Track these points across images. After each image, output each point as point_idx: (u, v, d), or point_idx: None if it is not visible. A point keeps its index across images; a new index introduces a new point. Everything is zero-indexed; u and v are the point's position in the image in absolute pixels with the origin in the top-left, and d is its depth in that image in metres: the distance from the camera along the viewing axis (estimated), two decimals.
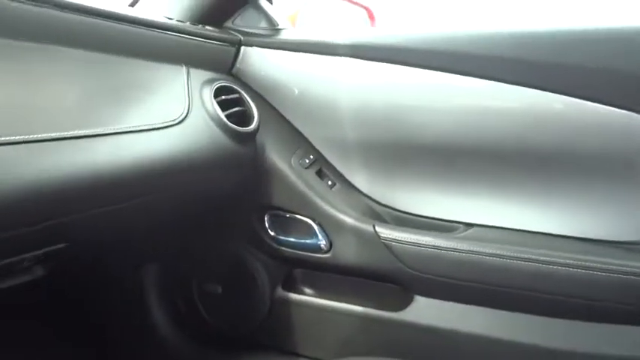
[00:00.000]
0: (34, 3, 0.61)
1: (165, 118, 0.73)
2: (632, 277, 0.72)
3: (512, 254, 0.77)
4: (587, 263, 0.74)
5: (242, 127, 0.84)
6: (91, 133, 0.60)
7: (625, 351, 0.73)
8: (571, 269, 0.75)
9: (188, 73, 0.83)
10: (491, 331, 0.81)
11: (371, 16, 2.18)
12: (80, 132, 0.59)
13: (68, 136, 0.57)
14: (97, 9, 0.70)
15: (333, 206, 0.89)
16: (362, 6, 2.21)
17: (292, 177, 0.90)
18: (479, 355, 0.82)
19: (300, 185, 0.90)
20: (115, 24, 0.72)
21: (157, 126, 0.71)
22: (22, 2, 0.60)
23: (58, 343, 1.09)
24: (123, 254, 0.94)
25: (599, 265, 0.74)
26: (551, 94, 0.79)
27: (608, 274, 0.73)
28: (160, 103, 0.74)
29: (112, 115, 0.65)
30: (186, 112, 0.77)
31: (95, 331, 1.13)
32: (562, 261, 0.75)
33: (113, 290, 1.09)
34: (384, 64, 0.89)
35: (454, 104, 0.86)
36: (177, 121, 0.74)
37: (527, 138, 0.82)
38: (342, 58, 0.91)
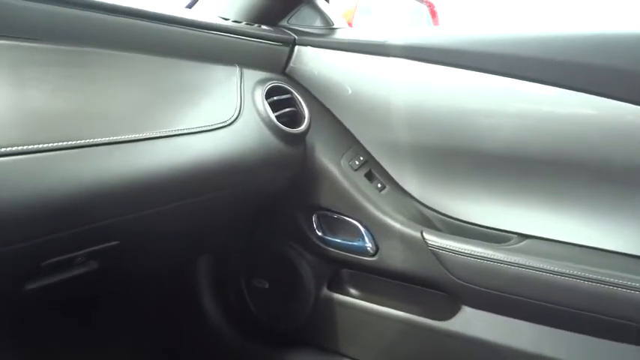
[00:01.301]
0: (92, 9, 0.64)
1: (217, 119, 0.74)
2: None
3: (568, 271, 0.73)
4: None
5: (293, 127, 0.85)
6: (145, 137, 0.62)
7: None
8: (630, 291, 0.70)
9: (241, 74, 0.84)
10: (540, 348, 0.77)
11: (433, 13, 2.13)
12: (135, 136, 0.61)
13: (123, 139, 0.59)
14: (153, 12, 0.72)
15: (380, 210, 0.88)
16: (425, 1, 2.16)
17: (341, 178, 0.89)
18: None
19: (349, 187, 0.89)
20: (170, 27, 0.74)
21: (209, 128, 0.72)
22: (81, 9, 0.63)
23: (114, 334, 1.15)
24: (176, 249, 0.97)
25: None
26: (621, 103, 0.73)
27: None
28: (212, 105, 0.76)
29: (166, 118, 0.67)
30: (237, 113, 0.78)
31: (150, 321, 1.19)
32: (624, 282, 0.70)
33: (167, 282, 1.13)
34: (439, 66, 0.86)
35: (513, 110, 0.82)
36: (228, 123, 0.76)
37: (592, 148, 0.77)
38: (397, 59, 0.89)
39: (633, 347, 0.72)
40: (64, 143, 0.53)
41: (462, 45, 0.85)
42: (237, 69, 0.84)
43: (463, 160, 0.88)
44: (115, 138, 0.58)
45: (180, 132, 0.68)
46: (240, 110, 0.79)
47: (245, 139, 0.78)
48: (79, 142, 0.54)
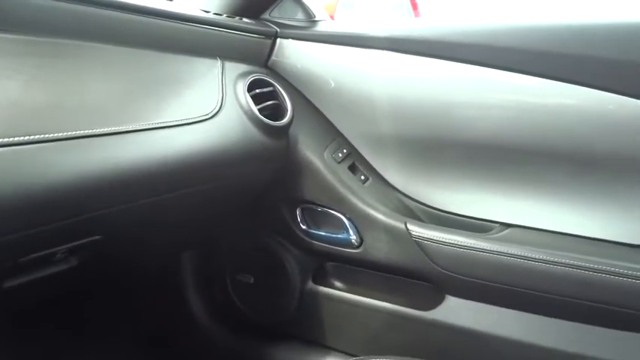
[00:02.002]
0: (70, 1, 0.62)
1: (198, 112, 0.74)
2: None
3: (549, 258, 0.74)
4: (633, 272, 0.70)
5: (275, 120, 0.84)
6: (125, 130, 0.61)
7: None
8: (614, 277, 0.71)
9: (223, 67, 0.83)
10: (524, 335, 0.79)
11: (414, 5, 2.13)
12: (115, 128, 0.60)
13: (103, 132, 0.59)
14: (133, 4, 0.71)
15: (364, 202, 0.89)
16: None
17: (324, 171, 0.89)
18: (507, 358, 0.80)
19: (332, 179, 0.89)
20: (151, 19, 0.73)
21: (190, 121, 0.72)
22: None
23: (97, 331, 1.14)
24: (159, 244, 0.96)
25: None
26: (603, 92, 0.74)
27: None
28: (193, 98, 0.75)
29: (146, 111, 0.66)
30: (219, 106, 0.77)
31: (134, 318, 1.17)
32: (605, 268, 0.72)
33: (151, 278, 1.12)
34: (423, 57, 0.86)
35: (495, 100, 0.83)
36: (210, 116, 0.75)
37: (574, 138, 0.78)
38: (380, 51, 0.89)
39: (619, 332, 0.74)
40: (42, 136, 0.52)
41: (444, 36, 0.85)
42: (219, 62, 0.83)
43: (446, 151, 0.88)
44: (94, 131, 0.57)
45: (161, 125, 0.67)
46: (222, 103, 0.78)
47: (227, 131, 0.77)
48: (57, 134, 0.53)
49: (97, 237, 0.62)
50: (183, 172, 0.70)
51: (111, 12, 0.68)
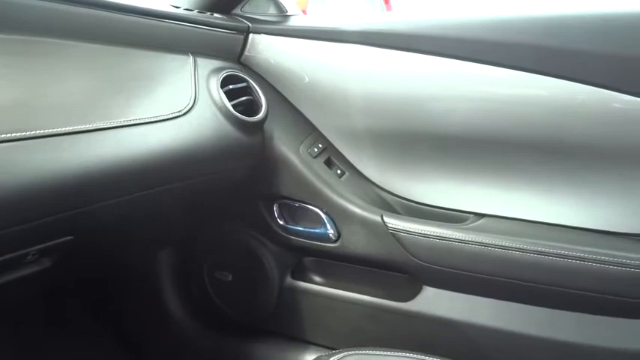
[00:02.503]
0: None
1: (171, 109, 0.73)
2: None
3: (523, 246, 0.76)
4: (600, 257, 0.73)
5: (250, 116, 0.84)
6: (96, 127, 0.60)
7: (635, 345, 0.72)
8: (584, 262, 0.73)
9: (195, 63, 0.82)
10: (500, 322, 0.80)
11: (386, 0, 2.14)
12: (86, 126, 0.59)
13: (74, 130, 0.57)
14: (102, 1, 0.69)
15: (341, 196, 0.89)
16: None
17: (300, 166, 0.89)
18: (487, 347, 0.81)
19: (308, 174, 0.89)
20: (120, 15, 0.72)
21: (163, 118, 0.71)
22: None
23: (74, 331, 1.12)
24: (135, 243, 0.95)
25: (613, 259, 0.72)
26: (573, 83, 0.76)
27: (623, 268, 0.72)
28: (166, 94, 0.74)
29: (118, 108, 0.65)
30: (192, 102, 0.77)
31: (111, 316, 1.16)
32: (575, 254, 0.74)
33: (128, 277, 1.11)
34: (396, 51, 0.86)
35: (468, 93, 0.84)
36: (183, 112, 0.74)
37: (544, 128, 0.80)
38: (353, 45, 0.90)
39: (591, 317, 0.76)
40: (10, 135, 0.51)
41: (417, 30, 0.86)
42: (191, 58, 0.82)
43: (420, 144, 0.89)
44: (64, 129, 0.56)
45: (132, 122, 0.66)
46: (195, 99, 0.77)
47: (201, 128, 0.76)
48: (25, 133, 0.52)
49: (68, 237, 0.61)
50: (157, 170, 0.69)
51: (80, 9, 0.67)
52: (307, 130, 0.95)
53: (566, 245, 0.75)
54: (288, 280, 0.98)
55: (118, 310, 1.16)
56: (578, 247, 0.74)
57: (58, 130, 0.56)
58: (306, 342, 0.98)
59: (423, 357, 0.67)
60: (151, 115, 0.69)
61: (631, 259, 0.72)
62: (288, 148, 0.90)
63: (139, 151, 0.66)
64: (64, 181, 0.55)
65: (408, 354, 0.70)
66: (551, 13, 0.79)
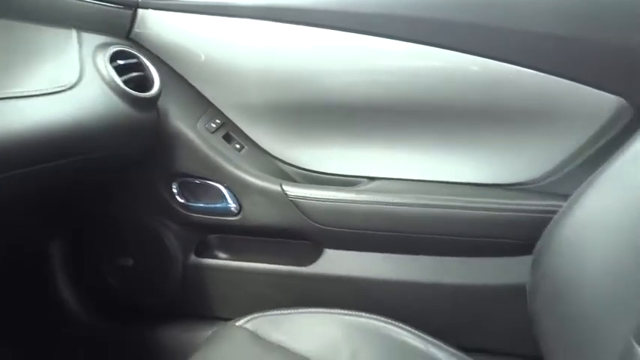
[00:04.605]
0: None
1: (54, 83, 0.70)
2: (520, 214, 0.80)
3: (411, 201, 0.83)
4: (480, 204, 0.81)
5: (142, 92, 0.82)
6: None
7: (513, 280, 0.82)
8: (466, 211, 0.81)
9: (80, 38, 0.79)
10: (395, 274, 0.87)
11: None
12: None
13: None
14: None
15: (240, 169, 0.90)
16: None
17: (198, 142, 0.89)
18: (386, 298, 0.87)
19: (207, 150, 0.89)
20: None
21: (45, 92, 0.67)
22: None
23: None
24: (21, 231, 0.89)
25: (491, 206, 0.81)
26: (466, 55, 0.81)
27: (500, 213, 0.80)
28: (49, 68, 0.71)
29: None
30: (78, 77, 0.74)
31: (4, 315, 1.07)
32: (459, 204, 0.82)
33: (20, 267, 1.03)
34: (290, 25, 0.88)
35: (360, 65, 0.88)
36: (67, 87, 0.71)
37: (433, 96, 0.86)
38: (245, 19, 0.90)
39: (475, 259, 0.84)
40: None
41: (312, 4, 0.88)
42: (75, 32, 0.79)
43: (315, 116, 0.93)
44: None
45: (11, 95, 0.62)
46: (80, 74, 0.74)
47: (89, 103, 0.74)
48: None
49: None
50: (37, 146, 0.65)
51: None
52: (204, 106, 0.95)
53: (449, 197, 0.83)
54: (193, 258, 0.98)
55: (10, 308, 1.08)
56: (460, 198, 0.82)
57: None
58: (214, 318, 0.99)
59: (318, 311, 0.72)
60: (33, 89, 0.66)
61: (508, 204, 0.81)
62: (185, 125, 0.90)
63: (22, 124, 0.62)
64: None
65: (303, 310, 0.74)
66: None
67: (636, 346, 0.45)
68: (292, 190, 0.87)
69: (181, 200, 0.93)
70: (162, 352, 1.00)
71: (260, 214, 0.90)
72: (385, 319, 0.73)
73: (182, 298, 0.99)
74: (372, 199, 0.84)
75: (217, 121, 0.94)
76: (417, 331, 0.71)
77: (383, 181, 0.92)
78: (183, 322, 1.01)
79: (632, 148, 0.58)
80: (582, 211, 0.62)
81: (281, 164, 0.97)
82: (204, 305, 0.99)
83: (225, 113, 0.97)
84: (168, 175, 0.92)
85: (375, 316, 0.73)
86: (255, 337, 0.72)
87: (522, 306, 0.67)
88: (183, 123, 0.90)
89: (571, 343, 0.61)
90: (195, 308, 1.00)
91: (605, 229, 0.59)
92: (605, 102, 0.78)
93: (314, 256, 0.91)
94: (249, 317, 0.76)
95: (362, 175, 0.94)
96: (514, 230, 0.81)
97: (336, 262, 0.89)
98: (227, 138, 0.95)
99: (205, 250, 0.98)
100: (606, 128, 0.79)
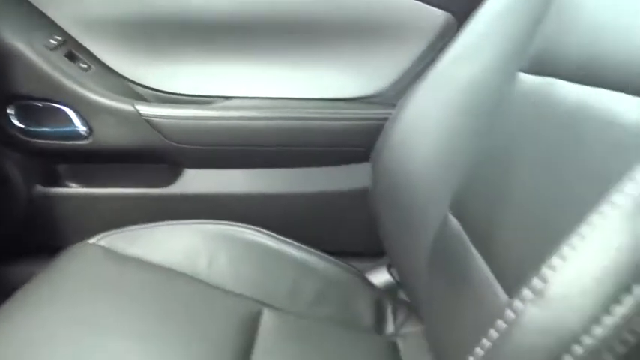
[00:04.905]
0: None
1: None
2: (361, 122, 0.87)
3: (264, 115, 0.86)
4: (326, 115, 0.86)
5: None
6: None
7: (355, 185, 0.89)
8: (314, 122, 0.86)
9: None
10: (255, 188, 0.91)
11: None
12: None
13: None
14: None
15: (88, 89, 0.85)
16: None
17: (36, 59, 0.82)
18: (247, 212, 0.90)
19: (48, 69, 0.83)
20: None
21: None
22: None
23: None
24: None
25: (336, 116, 0.87)
26: None
27: (342, 122, 0.87)
28: None
29: None
30: None
31: None
32: (307, 116, 0.86)
33: None
34: None
35: None
36: None
37: (273, 11, 0.87)
38: None
39: (322, 169, 0.90)
40: None
41: None
42: None
43: (166, 33, 0.90)
44: None
45: None
46: None
47: None
48: None
49: None
50: None
51: None
52: (40, 22, 0.87)
53: (302, 109, 0.87)
54: (39, 188, 0.91)
55: None
56: (312, 110, 0.87)
57: None
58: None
59: (175, 223, 0.73)
60: None
61: (357, 114, 0.87)
62: (19, 41, 0.81)
63: None
64: None
65: (160, 223, 0.74)
66: None
67: (450, 216, 0.54)
68: (146, 110, 0.85)
69: (22, 126, 0.86)
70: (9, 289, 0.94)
71: (112, 136, 0.86)
72: (243, 225, 0.76)
73: (29, 231, 0.93)
74: (228, 115, 0.86)
75: (57, 37, 0.87)
76: (272, 233, 0.75)
77: (238, 99, 0.93)
78: (30, 257, 0.95)
79: (451, 50, 0.66)
80: (409, 113, 0.69)
81: (134, 85, 0.93)
82: (55, 236, 0.93)
83: (66, 29, 0.89)
84: (4, 99, 0.84)
85: (233, 223, 0.76)
86: (109, 252, 0.71)
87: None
88: (16, 39, 0.81)
89: (403, 227, 0.69)
90: (46, 240, 0.94)
91: (428, 125, 0.67)
92: (434, 17, 0.86)
93: (172, 177, 0.90)
94: (102, 235, 0.74)
95: (217, 94, 0.94)
96: (354, 138, 0.88)
97: (195, 182, 0.90)
98: (70, 57, 0.88)
99: (54, 180, 0.92)
100: (436, 43, 0.87)
